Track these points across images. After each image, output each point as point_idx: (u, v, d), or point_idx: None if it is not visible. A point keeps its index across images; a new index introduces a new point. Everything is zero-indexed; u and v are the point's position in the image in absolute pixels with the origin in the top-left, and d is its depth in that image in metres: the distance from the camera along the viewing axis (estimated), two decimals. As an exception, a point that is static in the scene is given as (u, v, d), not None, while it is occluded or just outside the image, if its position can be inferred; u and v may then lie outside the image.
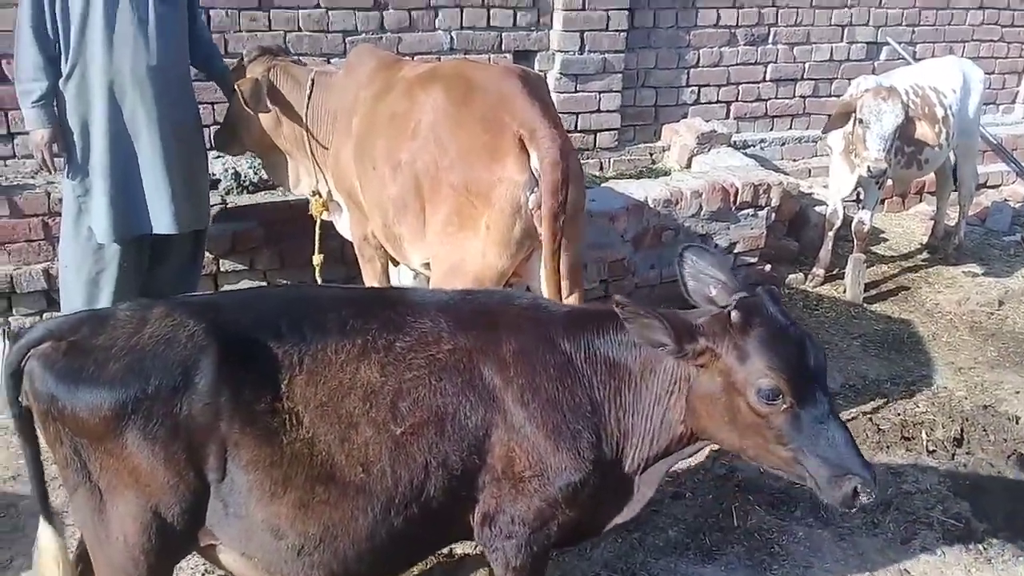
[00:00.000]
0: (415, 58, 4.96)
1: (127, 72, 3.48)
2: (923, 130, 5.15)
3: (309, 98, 3.65)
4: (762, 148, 6.18)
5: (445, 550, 2.87)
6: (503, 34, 5.25)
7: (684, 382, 2.18)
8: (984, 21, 7.01)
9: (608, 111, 5.64)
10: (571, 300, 2.98)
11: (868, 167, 4.73)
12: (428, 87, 3.06)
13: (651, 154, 5.90)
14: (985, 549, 3.19)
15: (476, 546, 2.73)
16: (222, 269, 4.42)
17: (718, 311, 2.15)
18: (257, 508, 1.99)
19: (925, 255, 5.89)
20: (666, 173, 5.47)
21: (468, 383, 2.11)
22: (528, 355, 2.16)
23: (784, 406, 2.07)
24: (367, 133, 3.26)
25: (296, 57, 4.14)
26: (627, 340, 2.22)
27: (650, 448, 2.27)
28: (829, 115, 5.10)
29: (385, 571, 2.27)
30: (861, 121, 4.74)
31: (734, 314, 2.08)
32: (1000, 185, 6.97)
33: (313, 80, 3.69)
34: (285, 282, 4.54)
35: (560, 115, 5.35)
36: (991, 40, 7.12)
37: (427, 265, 3.14)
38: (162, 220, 3.64)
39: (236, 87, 3.73)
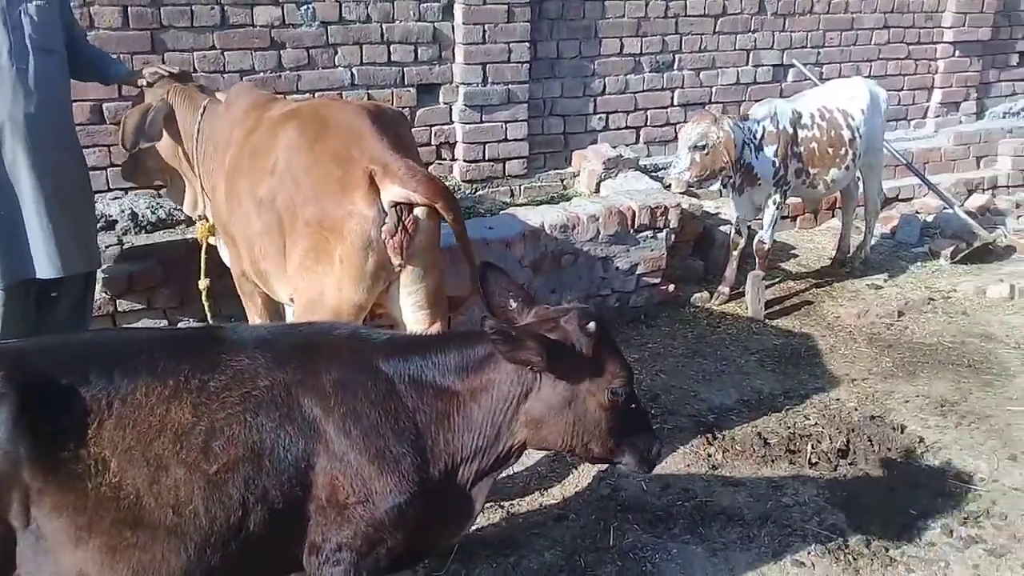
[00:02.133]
0: (316, 95, 5.05)
1: (6, 120, 3.50)
2: (828, 151, 5.32)
3: (199, 126, 3.72)
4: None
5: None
6: (405, 69, 5.34)
7: (523, 395, 2.31)
8: (890, 40, 7.23)
9: (516, 140, 5.74)
10: (435, 329, 3.04)
11: (665, 183, 5.02)
12: (285, 126, 3.13)
13: (562, 180, 6.00)
14: (855, 559, 3.24)
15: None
16: (119, 309, 4.43)
17: (553, 323, 2.29)
18: (64, 554, 2.00)
19: (831, 269, 6.02)
20: (570, 199, 5.56)
21: (287, 416, 2.15)
22: (349, 384, 2.21)
23: (624, 400, 2.34)
24: (234, 171, 3.33)
25: (201, 84, 4.16)
26: (453, 362, 2.32)
27: (482, 462, 2.38)
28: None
29: None
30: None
31: (587, 325, 2.26)
32: (912, 198, 7.15)
33: (205, 107, 3.77)
34: (184, 319, 4.56)
35: (467, 145, 5.57)
36: (898, 58, 7.33)
37: (293, 299, 3.19)
38: (46, 264, 3.65)
39: (122, 119, 3.78)
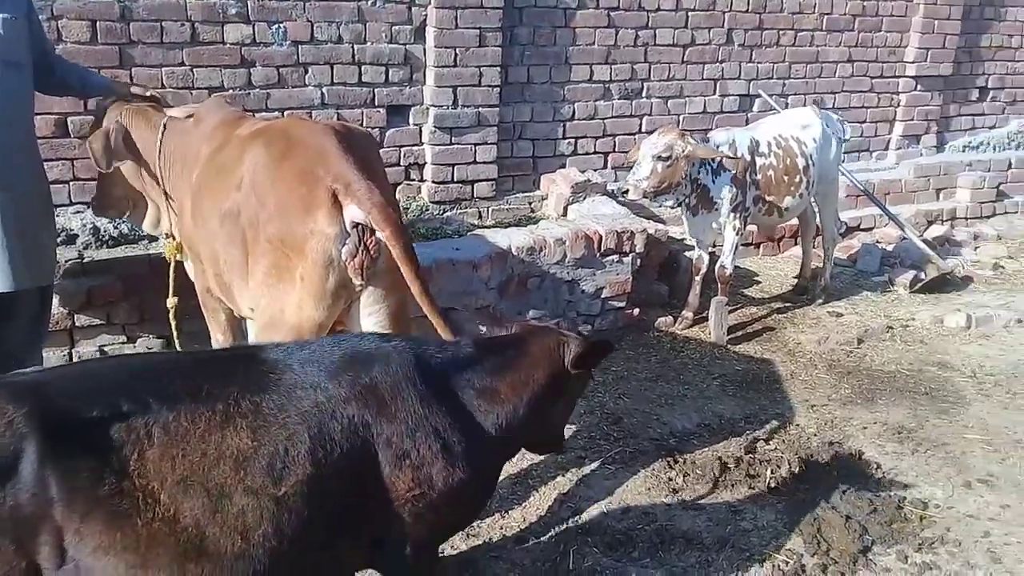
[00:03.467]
0: (285, 114, 5.05)
1: None
2: (784, 179, 5.42)
3: (161, 143, 3.70)
4: (639, 196, 6.36)
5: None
6: (375, 89, 5.36)
7: (558, 389, 2.67)
8: (853, 73, 7.39)
9: (484, 162, 5.78)
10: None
11: (623, 188, 5.04)
12: (251, 143, 3.13)
13: (530, 203, 6.04)
14: (811, 583, 3.28)
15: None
16: (77, 324, 4.37)
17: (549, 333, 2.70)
18: None
19: (793, 296, 6.10)
20: (539, 222, 5.60)
21: (348, 428, 2.19)
22: (404, 389, 2.29)
23: None
24: (201, 187, 3.32)
25: (150, 94, 4.09)
26: (498, 364, 2.55)
27: (516, 449, 2.79)
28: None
29: None
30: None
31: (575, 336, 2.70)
32: (873, 228, 7.28)
33: (166, 125, 3.75)
34: (144, 336, 4.52)
35: (436, 167, 5.59)
36: (861, 91, 7.50)
37: (255, 315, 3.18)
38: None
39: (87, 145, 3.76)
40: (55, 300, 4.09)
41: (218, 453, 2.01)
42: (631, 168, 5.11)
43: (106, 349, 4.51)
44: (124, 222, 4.59)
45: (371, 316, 2.92)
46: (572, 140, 6.18)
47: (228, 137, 3.39)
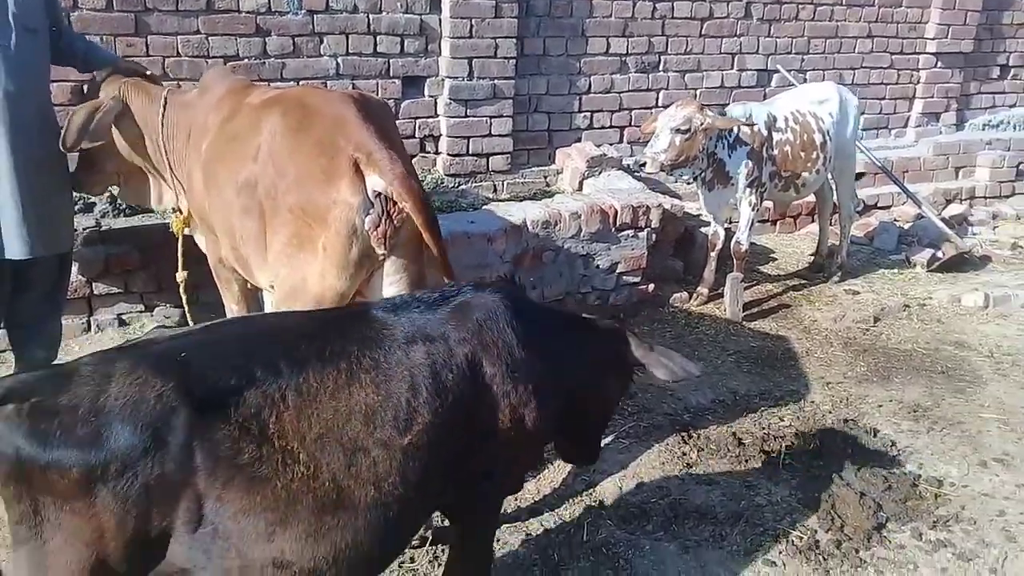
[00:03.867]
0: (300, 84, 5.02)
1: None
2: (800, 155, 5.37)
3: (163, 116, 3.65)
4: (655, 171, 6.32)
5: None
6: (391, 60, 5.33)
7: (614, 379, 2.86)
8: (873, 49, 7.29)
9: (500, 135, 5.74)
10: None
11: (640, 161, 4.97)
12: (268, 113, 3.10)
13: (545, 177, 6.00)
14: (825, 560, 3.27)
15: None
16: (95, 292, 4.39)
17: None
18: (255, 548, 1.99)
19: (809, 274, 6.06)
20: (554, 196, 5.57)
21: (461, 375, 2.31)
22: (507, 337, 2.42)
23: None
24: (213, 157, 3.29)
25: (148, 74, 4.03)
26: (577, 327, 2.80)
27: (595, 417, 2.95)
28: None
29: (391, 556, 2.42)
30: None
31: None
32: (891, 206, 7.22)
33: (166, 98, 3.69)
34: (161, 305, 4.53)
35: (452, 139, 5.56)
36: (881, 67, 7.40)
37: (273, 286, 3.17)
38: (15, 246, 3.61)
39: (67, 116, 3.62)
40: (73, 268, 4.11)
41: (348, 410, 2.10)
42: (647, 142, 5.06)
43: (124, 317, 4.53)
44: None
45: (392, 286, 2.91)
46: (588, 114, 6.13)
47: (238, 106, 3.36)
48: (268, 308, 3.90)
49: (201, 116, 3.46)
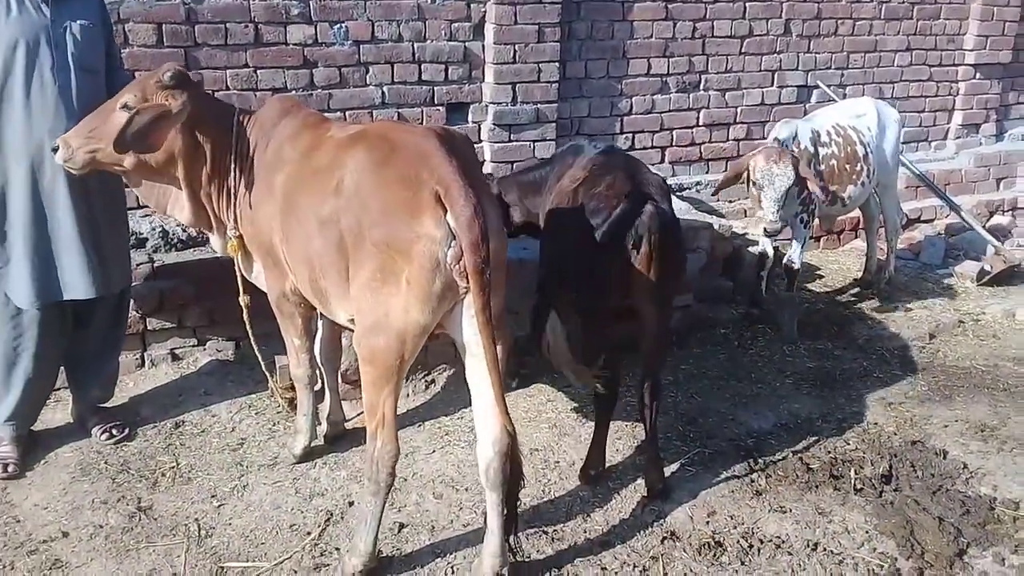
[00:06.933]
0: (346, 114, 5.03)
1: (46, 137, 3.47)
2: (846, 168, 5.32)
3: (236, 137, 3.51)
4: (698, 190, 6.28)
5: None
6: (435, 88, 5.33)
7: None
8: (912, 62, 7.24)
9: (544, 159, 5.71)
10: (499, 352, 2.95)
11: (764, 228, 5.00)
12: (353, 147, 3.09)
13: (588, 200, 5.96)
14: (909, 588, 3.20)
15: None
16: (149, 328, 4.39)
17: None
18: None
19: (858, 291, 5.99)
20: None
21: (632, 193, 3.60)
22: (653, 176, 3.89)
23: None
24: (293, 190, 3.26)
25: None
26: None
27: None
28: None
29: None
30: (755, 183, 4.91)
31: None
32: (934, 219, 7.13)
33: (240, 120, 3.56)
34: (215, 339, 4.52)
35: (496, 164, 5.54)
36: (920, 80, 7.34)
37: (352, 320, 3.14)
38: (79, 286, 3.62)
39: (130, 115, 3.26)
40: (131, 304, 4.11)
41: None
42: (718, 183, 5.29)
43: (176, 352, 4.52)
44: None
45: (474, 318, 2.87)
46: (630, 135, 6.11)
47: (319, 140, 3.32)
48: (319, 336, 3.89)
49: (274, 146, 3.43)
